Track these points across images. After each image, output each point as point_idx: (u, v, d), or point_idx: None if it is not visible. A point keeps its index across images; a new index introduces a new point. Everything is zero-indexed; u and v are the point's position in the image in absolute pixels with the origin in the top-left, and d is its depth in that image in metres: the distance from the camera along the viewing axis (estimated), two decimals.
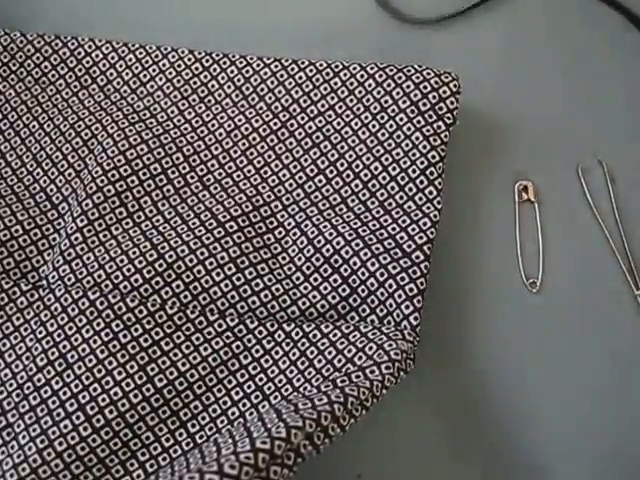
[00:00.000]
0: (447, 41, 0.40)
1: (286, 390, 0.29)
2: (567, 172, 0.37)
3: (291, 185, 0.34)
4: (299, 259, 0.31)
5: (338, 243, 0.31)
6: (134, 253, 0.31)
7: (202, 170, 0.34)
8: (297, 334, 0.30)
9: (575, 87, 0.39)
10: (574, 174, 0.37)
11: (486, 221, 0.36)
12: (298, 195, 0.33)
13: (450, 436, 0.32)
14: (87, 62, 0.37)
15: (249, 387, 0.30)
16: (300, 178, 0.34)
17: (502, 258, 0.35)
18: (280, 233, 0.32)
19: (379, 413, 0.31)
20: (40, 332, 0.30)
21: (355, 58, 0.36)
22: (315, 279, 0.31)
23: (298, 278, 0.31)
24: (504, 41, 0.40)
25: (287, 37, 0.40)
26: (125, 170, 0.33)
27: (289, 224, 0.32)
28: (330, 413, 0.25)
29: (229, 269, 0.31)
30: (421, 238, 0.31)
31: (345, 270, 0.30)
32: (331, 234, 0.31)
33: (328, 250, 0.31)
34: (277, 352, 0.30)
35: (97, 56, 0.37)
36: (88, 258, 0.31)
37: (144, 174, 0.33)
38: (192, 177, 0.34)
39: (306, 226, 0.32)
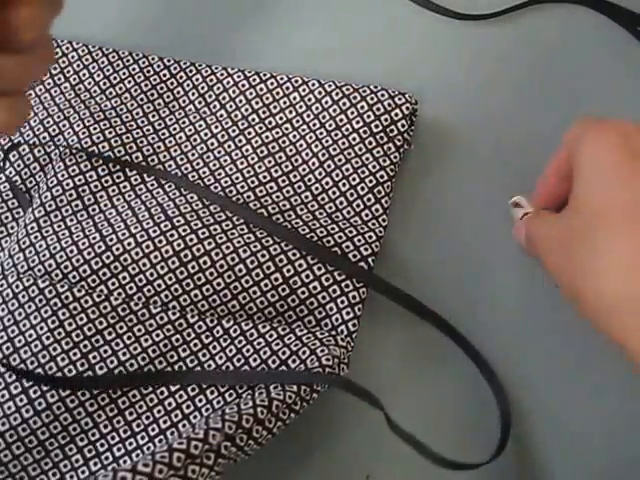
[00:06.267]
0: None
1: (222, 386, 0.30)
2: None
3: (243, 187, 0.35)
4: (244, 251, 0.32)
5: (286, 245, 0.32)
6: (84, 244, 0.32)
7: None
8: (235, 331, 0.31)
9: (576, 101, 0.38)
10: None
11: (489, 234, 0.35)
12: (249, 197, 0.35)
13: (462, 438, 0.32)
14: (63, 62, 0.39)
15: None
16: (252, 182, 0.35)
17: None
18: (227, 226, 0.33)
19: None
20: None
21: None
22: (257, 274, 0.32)
23: (240, 270, 0.32)
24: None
25: (344, 50, 0.40)
26: (85, 166, 0.34)
27: (237, 219, 0.33)
28: (252, 416, 0.27)
29: (172, 262, 0.32)
30: (366, 250, 0.32)
31: (288, 271, 0.32)
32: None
33: (275, 249, 0.32)
34: (215, 347, 0.31)
35: (73, 57, 0.39)
36: (41, 246, 0.32)
37: (103, 170, 0.34)
38: (149, 175, 0.35)
39: (255, 226, 0.33)
